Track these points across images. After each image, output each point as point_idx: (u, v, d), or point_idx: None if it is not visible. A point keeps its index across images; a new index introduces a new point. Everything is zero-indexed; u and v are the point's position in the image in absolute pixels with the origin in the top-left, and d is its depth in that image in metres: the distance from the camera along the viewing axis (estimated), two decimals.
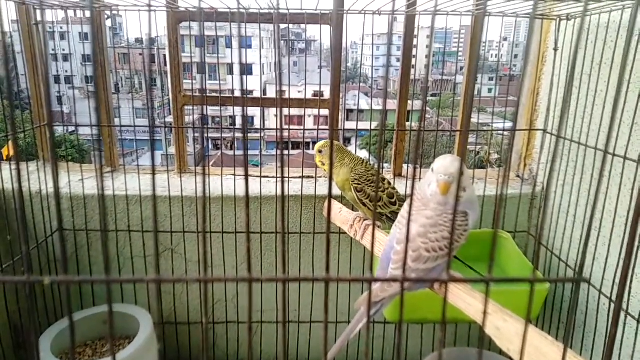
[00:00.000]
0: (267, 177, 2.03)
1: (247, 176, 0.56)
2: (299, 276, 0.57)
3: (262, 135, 2.18)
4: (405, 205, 1.25)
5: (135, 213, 1.88)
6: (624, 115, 1.44)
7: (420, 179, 1.20)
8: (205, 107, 1.96)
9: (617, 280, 1.44)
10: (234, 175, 2.02)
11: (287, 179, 1.95)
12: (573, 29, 1.71)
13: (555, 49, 1.79)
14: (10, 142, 1.94)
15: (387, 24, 1.78)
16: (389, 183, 1.56)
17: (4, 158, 2.10)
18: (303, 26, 1.84)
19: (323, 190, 1.89)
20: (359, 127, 1.97)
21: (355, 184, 1.50)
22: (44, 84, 1.89)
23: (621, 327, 1.41)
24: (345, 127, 2.28)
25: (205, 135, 2.17)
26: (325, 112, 1.97)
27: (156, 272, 0.56)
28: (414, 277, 1.10)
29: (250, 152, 2.10)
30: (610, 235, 1.48)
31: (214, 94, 1.95)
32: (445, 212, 1.10)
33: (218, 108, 1.92)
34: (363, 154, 1.83)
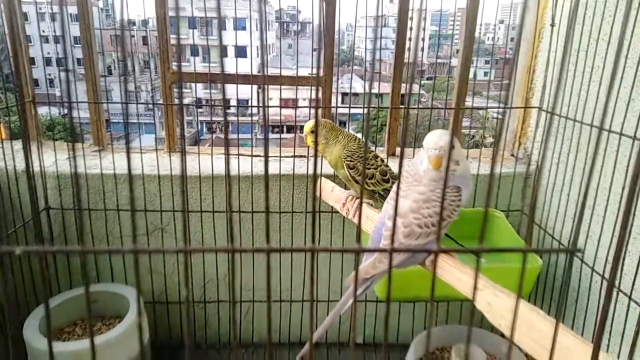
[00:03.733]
0: (259, 156, 2.00)
1: (226, 148, 0.53)
2: (286, 248, 0.54)
3: (254, 113, 2.14)
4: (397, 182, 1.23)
5: (124, 192, 1.85)
6: (621, 91, 1.41)
7: (413, 152, 1.18)
8: (194, 85, 1.92)
9: (610, 258, 1.43)
10: (225, 154, 1.98)
11: (278, 158, 1.92)
12: (570, 4, 1.67)
13: (552, 25, 1.75)
14: (1, 124, 1.90)
15: (381, 5, 1.74)
16: (382, 160, 1.53)
17: None
18: (298, 8, 1.80)
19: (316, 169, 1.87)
20: (353, 111, 1.94)
21: (347, 160, 1.48)
22: (19, 59, 1.84)
23: (613, 304, 1.41)
24: (339, 111, 2.23)
25: (197, 118, 2.13)
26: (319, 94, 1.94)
27: (133, 242, 0.54)
28: (405, 253, 1.08)
29: (243, 136, 2.06)
30: (604, 213, 1.47)
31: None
32: (439, 187, 1.08)
33: (209, 91, 1.88)
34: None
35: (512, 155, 2.05)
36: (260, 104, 2.11)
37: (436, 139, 1.06)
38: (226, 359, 2.08)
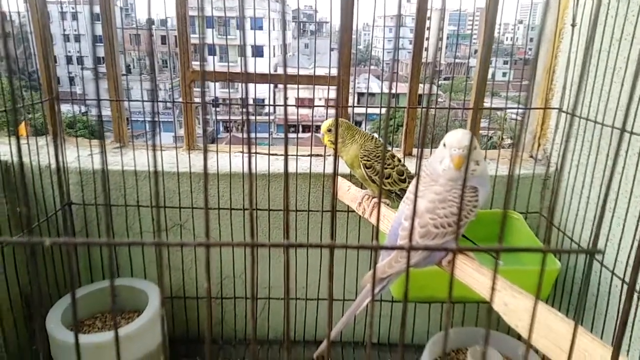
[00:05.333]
0: (276, 154, 2.01)
1: (249, 145, 0.55)
2: (303, 244, 0.55)
3: (271, 112, 2.16)
4: (414, 182, 1.23)
5: (145, 188, 1.88)
6: None
7: (430, 153, 1.18)
8: (214, 84, 1.94)
9: (631, 262, 1.41)
10: (242, 152, 2.01)
11: (295, 157, 1.93)
12: (592, 3, 1.65)
13: (573, 25, 1.73)
14: (24, 122, 1.95)
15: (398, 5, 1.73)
16: (399, 160, 1.53)
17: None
18: (315, 8, 1.81)
19: (332, 168, 1.88)
20: (369, 111, 1.94)
21: (364, 160, 1.48)
22: (44, 56, 1.88)
23: (633, 308, 1.38)
24: (356, 111, 2.23)
25: (214, 117, 2.16)
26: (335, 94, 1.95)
27: (157, 236, 0.55)
28: (421, 253, 1.09)
29: (259, 135, 2.09)
30: (625, 215, 1.45)
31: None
32: (455, 187, 1.07)
33: (227, 90, 1.90)
34: None
35: (531, 156, 2.02)
36: (277, 103, 2.12)
37: (460, 137, 1.05)
38: (242, 355, 2.10)
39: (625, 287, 1.40)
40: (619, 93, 1.48)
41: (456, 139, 1.04)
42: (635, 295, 1.37)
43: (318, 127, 1.67)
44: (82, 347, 1.49)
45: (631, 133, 1.40)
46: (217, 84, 1.97)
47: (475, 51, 2.12)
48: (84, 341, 1.52)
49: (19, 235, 1.59)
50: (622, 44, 1.48)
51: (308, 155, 1.98)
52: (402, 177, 1.50)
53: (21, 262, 1.71)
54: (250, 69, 1.93)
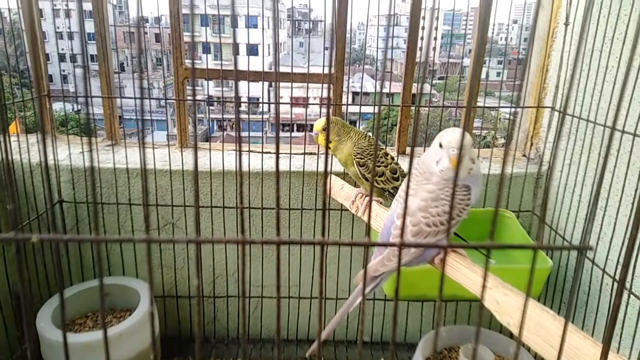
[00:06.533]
0: (269, 152, 2.01)
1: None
2: (294, 240, 0.55)
3: (265, 111, 2.15)
4: (406, 180, 1.23)
5: (137, 186, 1.86)
6: (635, 91, 1.39)
7: (423, 151, 1.18)
8: (206, 82, 1.93)
9: (622, 260, 1.41)
10: (236, 150, 2.00)
11: (288, 155, 1.92)
12: (585, 3, 1.65)
13: (566, 24, 1.74)
14: (16, 120, 1.93)
15: (394, 4, 1.73)
16: (392, 158, 1.53)
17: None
18: (309, 7, 1.80)
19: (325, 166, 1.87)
20: (364, 110, 1.93)
21: (357, 158, 1.48)
22: (35, 51, 1.86)
23: (623, 307, 1.39)
24: (350, 110, 2.22)
25: (208, 116, 2.15)
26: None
27: (146, 231, 0.54)
28: (413, 250, 1.09)
29: (253, 134, 2.07)
30: (616, 214, 1.45)
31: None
32: (448, 186, 1.07)
33: (221, 88, 1.89)
34: None
35: (524, 155, 2.03)
36: (272, 101, 2.11)
37: (458, 137, 1.04)
38: (234, 354, 2.09)
39: (616, 285, 1.41)
40: (611, 92, 1.49)
41: (455, 138, 1.03)
42: (626, 293, 1.38)
43: (312, 126, 1.67)
44: (73, 346, 1.48)
45: (622, 132, 1.41)
46: (211, 82, 1.96)
47: (470, 51, 2.13)
48: (74, 340, 1.51)
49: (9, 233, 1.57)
50: (615, 42, 1.49)
51: (302, 154, 1.98)
52: (395, 175, 1.50)
53: (11, 260, 1.70)
54: (244, 68, 1.92)
